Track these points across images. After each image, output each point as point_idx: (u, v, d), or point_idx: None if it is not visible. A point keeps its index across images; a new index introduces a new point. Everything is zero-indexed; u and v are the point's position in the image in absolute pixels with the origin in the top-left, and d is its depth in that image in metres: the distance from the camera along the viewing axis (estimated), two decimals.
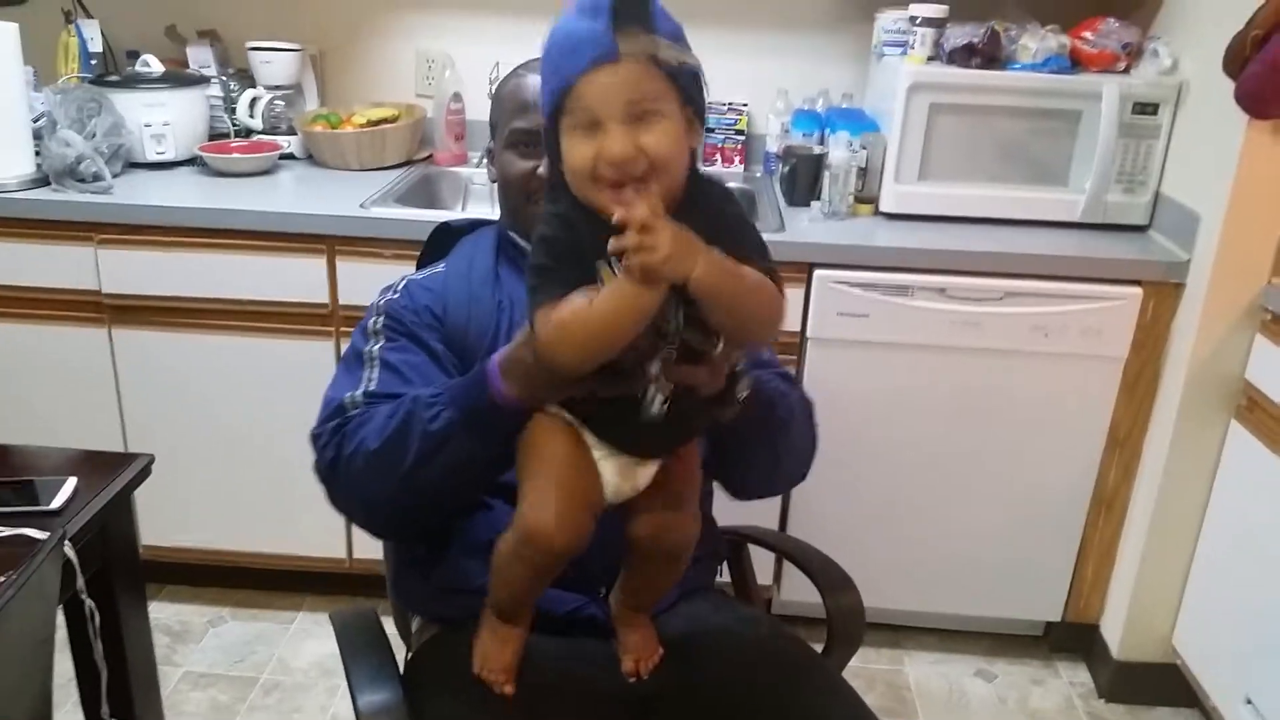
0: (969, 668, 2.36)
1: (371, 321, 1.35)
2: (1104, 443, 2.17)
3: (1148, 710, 2.23)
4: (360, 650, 1.28)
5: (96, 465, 1.40)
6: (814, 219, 2.23)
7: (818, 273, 2.07)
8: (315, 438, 1.27)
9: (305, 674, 2.26)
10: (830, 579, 1.44)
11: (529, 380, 1.10)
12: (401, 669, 1.31)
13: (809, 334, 2.12)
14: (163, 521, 2.34)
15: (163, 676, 2.16)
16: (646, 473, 1.15)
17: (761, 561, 1.63)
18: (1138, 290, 2.05)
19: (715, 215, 1.06)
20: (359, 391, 1.27)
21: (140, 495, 2.05)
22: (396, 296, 1.37)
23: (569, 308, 1.01)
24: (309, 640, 2.36)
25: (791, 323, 2.11)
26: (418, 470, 1.18)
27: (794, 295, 2.09)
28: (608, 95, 1.00)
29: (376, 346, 1.32)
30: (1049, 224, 2.21)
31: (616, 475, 1.14)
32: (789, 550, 1.53)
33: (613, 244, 0.96)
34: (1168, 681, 2.20)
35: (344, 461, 1.23)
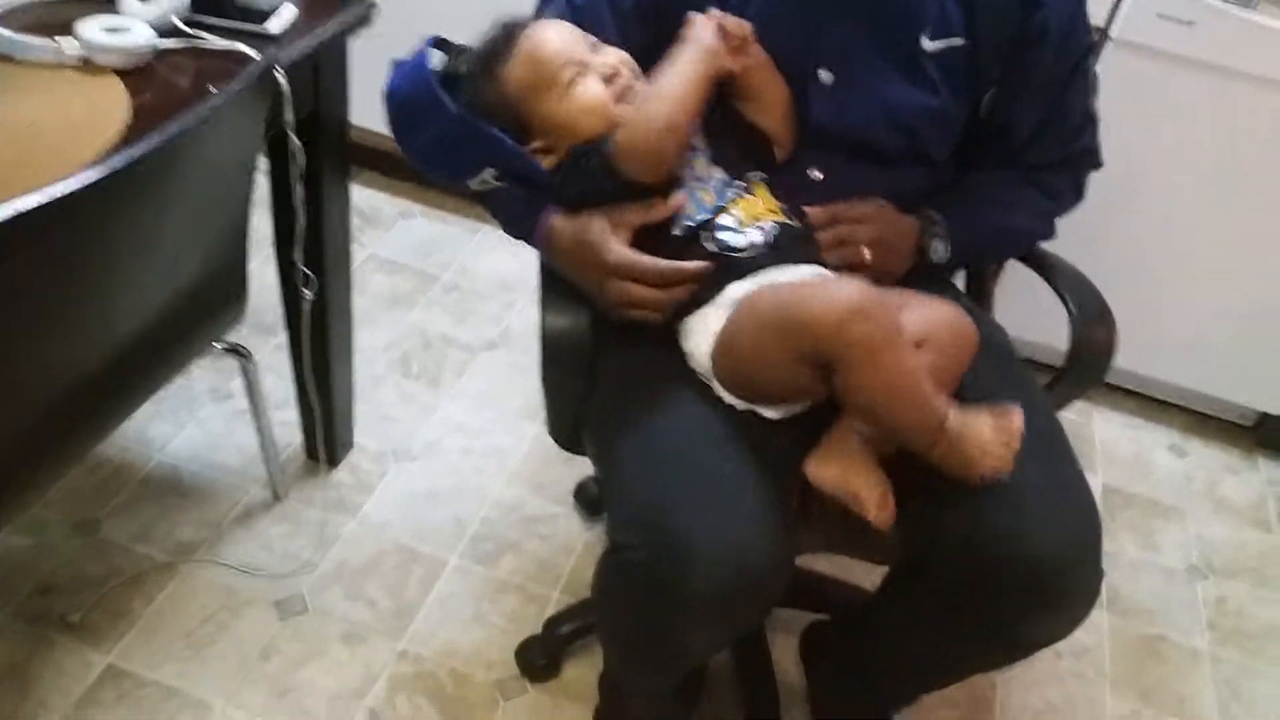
0: (1161, 439, 2.19)
1: None
2: None
3: None
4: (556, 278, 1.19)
5: (320, 5, 1.30)
6: None
7: None
8: None
9: (484, 282, 2.25)
10: (1086, 303, 1.25)
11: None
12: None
13: (1113, 34, 1.79)
14: (373, 105, 2.28)
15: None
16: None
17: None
18: None
19: None
20: None
21: (356, 74, 1.97)
22: None
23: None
24: (490, 254, 2.34)
25: (1096, 17, 1.79)
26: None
27: None
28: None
29: None
30: None
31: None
32: (1042, 262, 1.33)
33: None
34: None
35: None
